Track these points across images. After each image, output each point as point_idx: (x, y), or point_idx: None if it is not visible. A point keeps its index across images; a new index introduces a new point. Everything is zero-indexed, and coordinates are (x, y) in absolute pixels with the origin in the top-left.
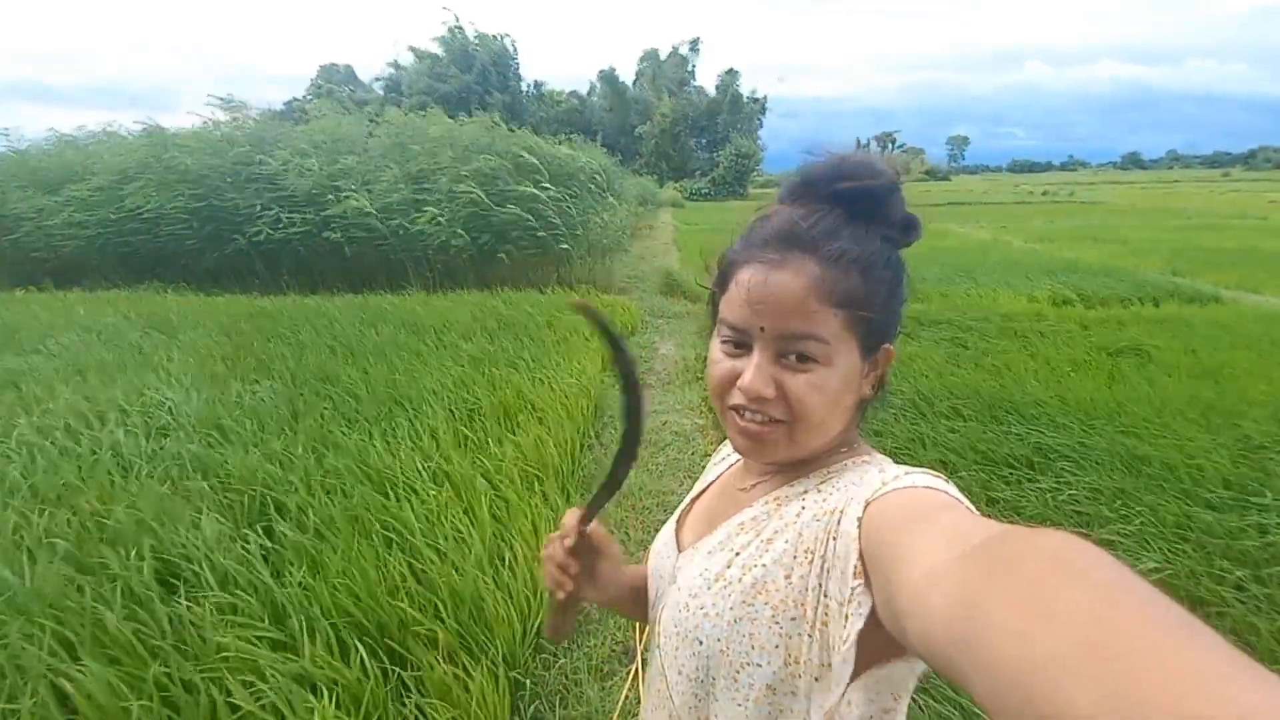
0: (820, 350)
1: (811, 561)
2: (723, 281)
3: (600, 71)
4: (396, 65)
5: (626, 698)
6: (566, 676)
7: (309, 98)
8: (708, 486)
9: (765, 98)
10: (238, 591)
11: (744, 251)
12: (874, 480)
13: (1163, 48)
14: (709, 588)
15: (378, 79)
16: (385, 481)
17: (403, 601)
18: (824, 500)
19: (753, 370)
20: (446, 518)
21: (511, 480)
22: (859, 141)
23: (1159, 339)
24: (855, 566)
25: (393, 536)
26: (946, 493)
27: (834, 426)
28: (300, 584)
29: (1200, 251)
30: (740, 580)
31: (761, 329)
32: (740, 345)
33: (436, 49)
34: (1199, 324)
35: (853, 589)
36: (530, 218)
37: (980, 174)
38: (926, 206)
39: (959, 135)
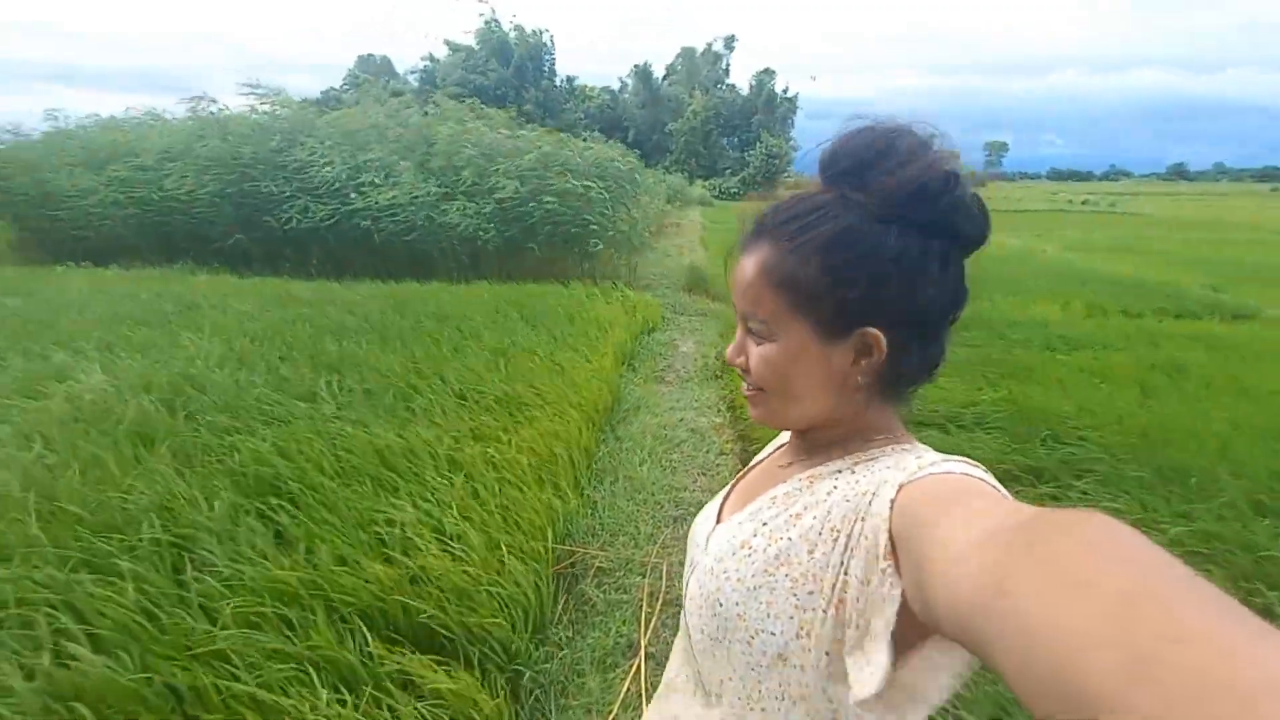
0: (764, 328)
1: (836, 540)
2: None
3: (634, 67)
4: (431, 58)
5: (628, 691)
6: (568, 668)
7: (345, 88)
8: (755, 465)
9: (797, 96)
10: (244, 568)
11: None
12: (909, 465)
13: (1207, 56)
14: (734, 554)
15: (412, 71)
16: (396, 467)
17: (405, 589)
18: (856, 481)
19: (734, 343)
20: (454, 506)
21: (521, 471)
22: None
23: (1194, 354)
24: (885, 548)
25: (399, 523)
26: (984, 480)
27: (806, 400)
28: (309, 564)
29: (1244, 267)
30: (765, 550)
31: (736, 308)
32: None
33: (472, 42)
34: (1238, 340)
35: (883, 570)
36: (565, 211)
37: (1018, 181)
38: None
39: (996, 141)
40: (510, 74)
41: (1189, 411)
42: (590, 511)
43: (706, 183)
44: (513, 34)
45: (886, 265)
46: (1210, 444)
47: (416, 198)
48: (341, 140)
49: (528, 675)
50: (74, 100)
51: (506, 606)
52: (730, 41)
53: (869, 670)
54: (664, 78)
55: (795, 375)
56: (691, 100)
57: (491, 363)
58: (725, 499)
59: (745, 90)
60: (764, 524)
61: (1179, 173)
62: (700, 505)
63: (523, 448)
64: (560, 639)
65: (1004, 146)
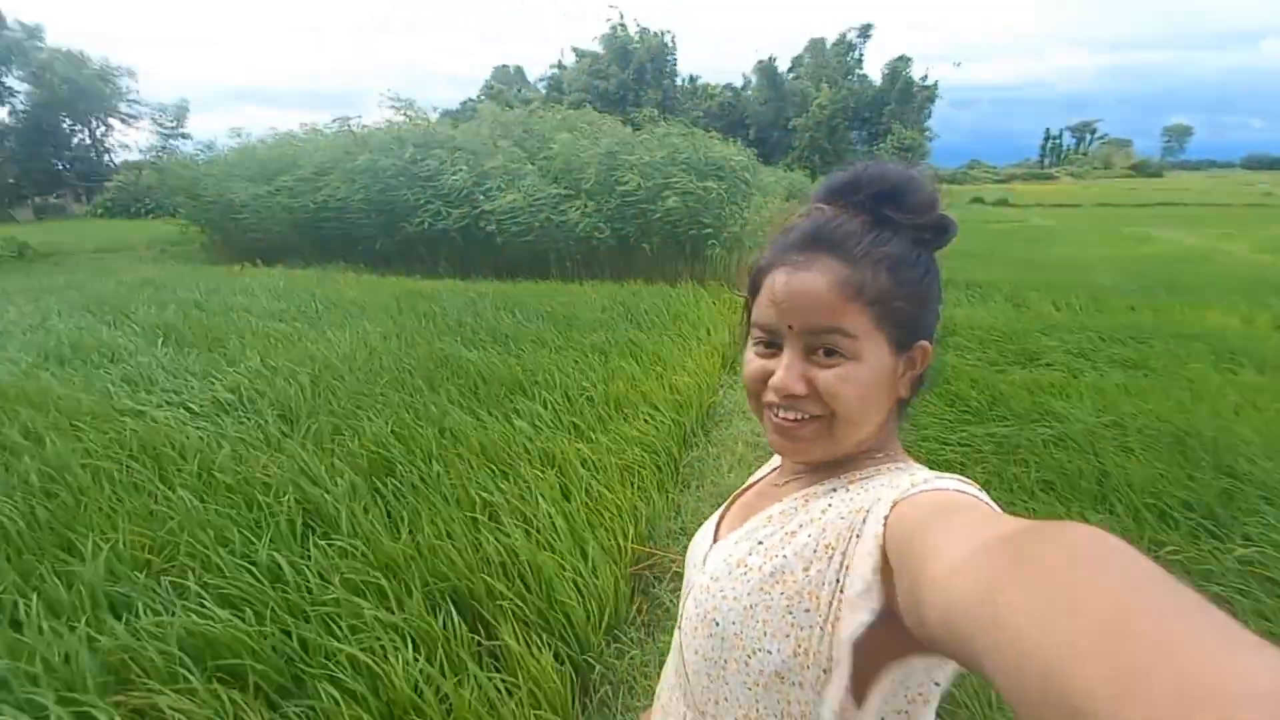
0: (848, 345)
1: (831, 557)
2: (754, 288)
3: (757, 62)
4: (560, 65)
5: None
6: (636, 667)
7: (482, 98)
8: (754, 484)
9: (936, 84)
10: (356, 541)
11: (773, 256)
12: (903, 482)
13: None
14: (730, 573)
15: (541, 79)
16: (495, 458)
17: (493, 573)
18: (851, 499)
19: (783, 369)
20: (544, 498)
21: (609, 470)
22: (1048, 132)
23: None
24: (876, 564)
25: (492, 510)
26: (977, 497)
27: (869, 423)
28: (412, 541)
29: None
30: (760, 568)
31: (790, 327)
32: (771, 345)
33: (598, 47)
34: None
35: (867, 583)
36: (684, 209)
37: (1205, 170)
38: (1128, 207)
39: (1178, 124)
40: (629, 76)
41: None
42: (674, 515)
43: None
44: (636, 36)
45: (932, 284)
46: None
47: (537, 199)
48: (469, 148)
49: (598, 670)
50: (256, 118)
51: (584, 598)
52: (866, 30)
53: (830, 689)
54: (789, 71)
55: (876, 395)
56: (818, 94)
57: (593, 361)
58: (722, 517)
59: (878, 80)
60: (760, 542)
61: None
62: None
63: (613, 447)
64: (633, 639)
65: (1187, 130)
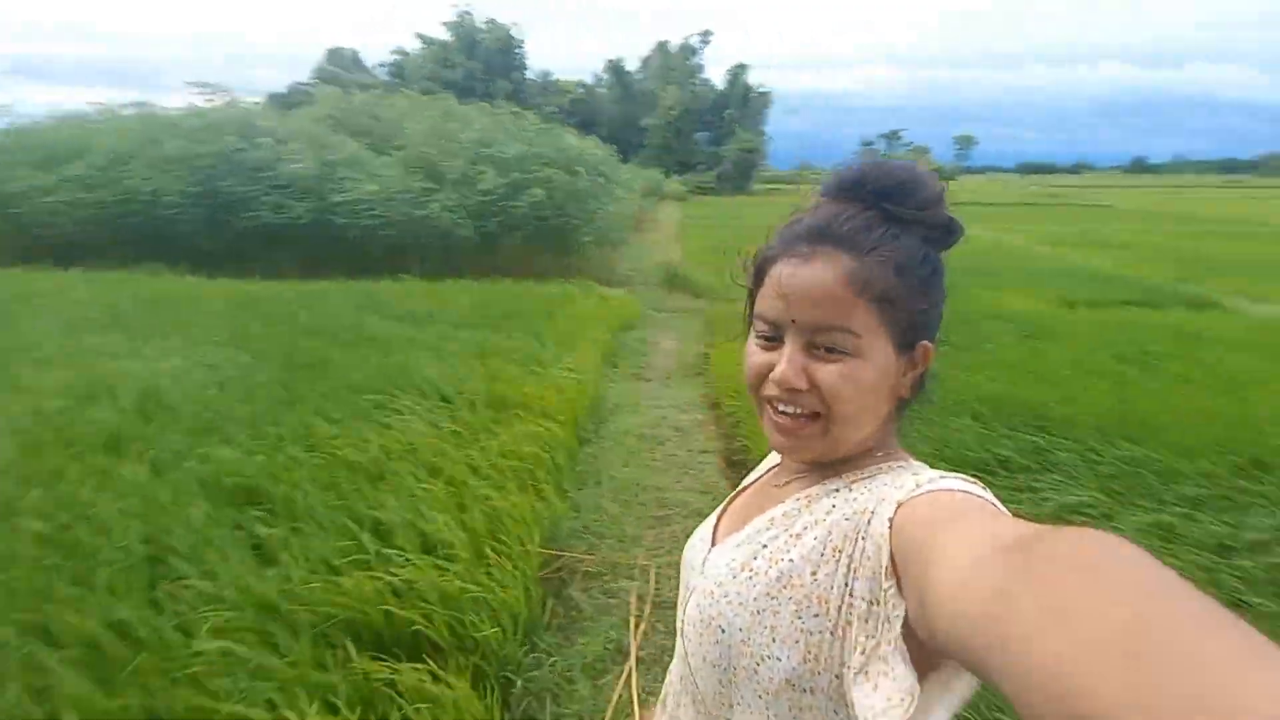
0: (851, 342)
1: (839, 561)
2: (758, 278)
3: (607, 61)
4: (402, 51)
5: (620, 696)
6: (559, 675)
7: (313, 81)
8: (750, 484)
9: (770, 92)
10: (221, 581)
11: (779, 247)
12: (907, 483)
13: (1164, 50)
14: (734, 577)
15: (382, 65)
16: (375, 473)
17: (391, 599)
18: (855, 500)
19: (785, 361)
20: (436, 511)
21: (503, 475)
22: (863, 139)
23: (1163, 344)
24: (886, 568)
25: (381, 530)
26: (982, 497)
27: (869, 422)
28: (285, 577)
29: (1207, 258)
30: (766, 573)
31: (793, 321)
32: (773, 339)
33: (444, 35)
34: (1202, 330)
35: (885, 590)
36: (549, 204)
37: (988, 174)
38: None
39: (965, 135)
40: (479, 67)
41: (1159, 403)
42: (575, 514)
43: (681, 178)
44: (484, 26)
45: (938, 283)
46: (1177, 434)
47: (396, 192)
48: (308, 135)
49: (519, 684)
50: (35, 95)
51: (495, 613)
52: (706, 36)
53: (880, 694)
54: (639, 71)
55: (876, 394)
56: (665, 95)
57: (471, 362)
58: (719, 520)
59: (720, 85)
60: (764, 545)
61: (1141, 166)
62: (684, 505)
63: (505, 451)
64: (550, 645)
65: (971, 140)
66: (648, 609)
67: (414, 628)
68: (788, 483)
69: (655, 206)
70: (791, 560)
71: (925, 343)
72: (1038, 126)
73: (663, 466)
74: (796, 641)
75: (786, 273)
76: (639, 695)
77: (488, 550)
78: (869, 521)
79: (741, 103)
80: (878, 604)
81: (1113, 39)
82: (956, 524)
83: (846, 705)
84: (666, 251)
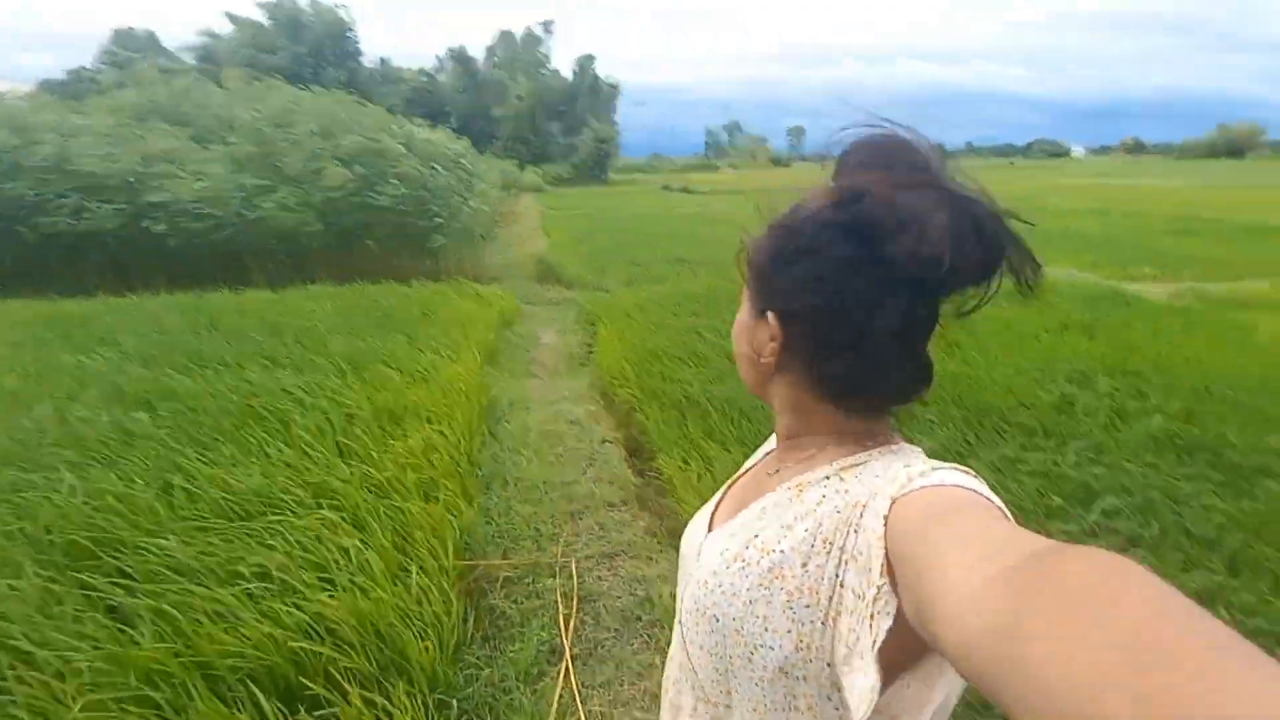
0: (741, 293)
1: (829, 552)
2: None
3: (450, 49)
4: (211, 34)
5: (560, 697)
6: (494, 686)
7: (101, 66)
8: (745, 471)
9: (619, 84)
10: (75, 656)
11: None
12: (899, 475)
13: (953, 50)
14: (728, 567)
15: (188, 48)
16: (251, 507)
17: (303, 637)
18: (846, 490)
19: None
20: (335, 538)
21: (405, 489)
22: (708, 130)
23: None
24: (881, 565)
25: (271, 567)
26: (977, 491)
27: (747, 371)
28: (164, 641)
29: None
30: (758, 563)
31: None
32: None
33: (260, 16)
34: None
35: (879, 588)
36: (410, 200)
37: (819, 161)
38: (780, 191)
39: (796, 126)
40: (306, 52)
41: (985, 360)
42: (487, 521)
43: (538, 169)
44: (308, 8)
45: (805, 249)
46: (1002, 385)
47: (225, 190)
48: (108, 128)
49: (455, 704)
50: None
51: (418, 634)
52: (549, 26)
53: (857, 692)
54: (486, 60)
55: (737, 340)
56: (516, 85)
57: (345, 375)
58: (717, 506)
59: (568, 76)
60: (755, 536)
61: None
62: (593, 497)
63: (401, 464)
64: (480, 659)
65: (802, 131)
66: (575, 604)
67: (331, 664)
68: (779, 470)
69: (515, 199)
70: (783, 551)
71: (770, 312)
72: (858, 120)
73: (566, 461)
74: (788, 631)
75: None
76: (579, 691)
77: (399, 570)
78: (861, 514)
79: (591, 93)
80: (864, 599)
81: (911, 39)
82: (953, 526)
83: (838, 691)
84: (533, 244)
